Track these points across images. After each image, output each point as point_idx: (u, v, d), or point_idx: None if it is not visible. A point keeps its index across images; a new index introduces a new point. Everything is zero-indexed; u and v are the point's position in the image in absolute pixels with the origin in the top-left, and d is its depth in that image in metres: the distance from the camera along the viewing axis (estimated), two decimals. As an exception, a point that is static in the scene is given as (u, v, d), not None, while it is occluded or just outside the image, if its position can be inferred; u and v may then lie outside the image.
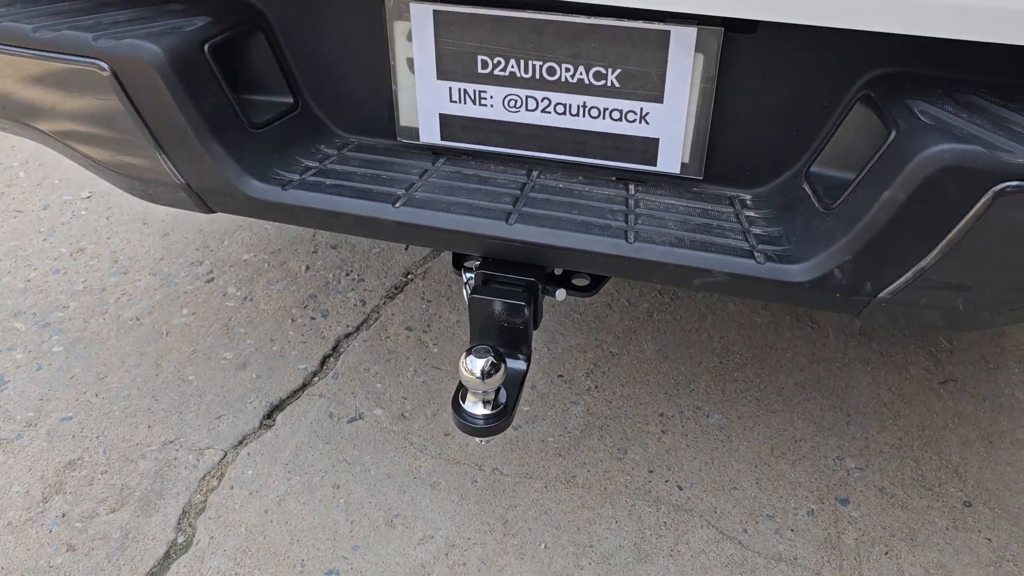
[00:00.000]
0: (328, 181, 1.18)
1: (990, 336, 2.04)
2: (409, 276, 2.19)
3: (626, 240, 1.07)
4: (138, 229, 2.35)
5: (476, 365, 1.09)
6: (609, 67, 1.11)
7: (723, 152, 1.16)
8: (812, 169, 1.11)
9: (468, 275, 1.22)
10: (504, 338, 1.16)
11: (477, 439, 1.24)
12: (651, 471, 1.71)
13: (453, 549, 1.56)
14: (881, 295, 1.02)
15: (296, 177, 1.19)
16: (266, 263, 2.22)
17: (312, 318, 2.05)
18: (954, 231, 0.94)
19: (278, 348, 1.97)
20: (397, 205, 1.13)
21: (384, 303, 2.11)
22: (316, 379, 1.90)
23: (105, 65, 1.11)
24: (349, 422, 1.79)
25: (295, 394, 1.86)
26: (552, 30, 1.10)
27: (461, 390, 1.17)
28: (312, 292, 2.13)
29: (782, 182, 1.15)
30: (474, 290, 1.16)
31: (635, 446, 1.76)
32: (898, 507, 1.65)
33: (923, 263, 0.98)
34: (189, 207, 1.25)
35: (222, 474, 1.68)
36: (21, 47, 1.14)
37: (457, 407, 1.16)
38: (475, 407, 1.14)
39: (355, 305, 2.09)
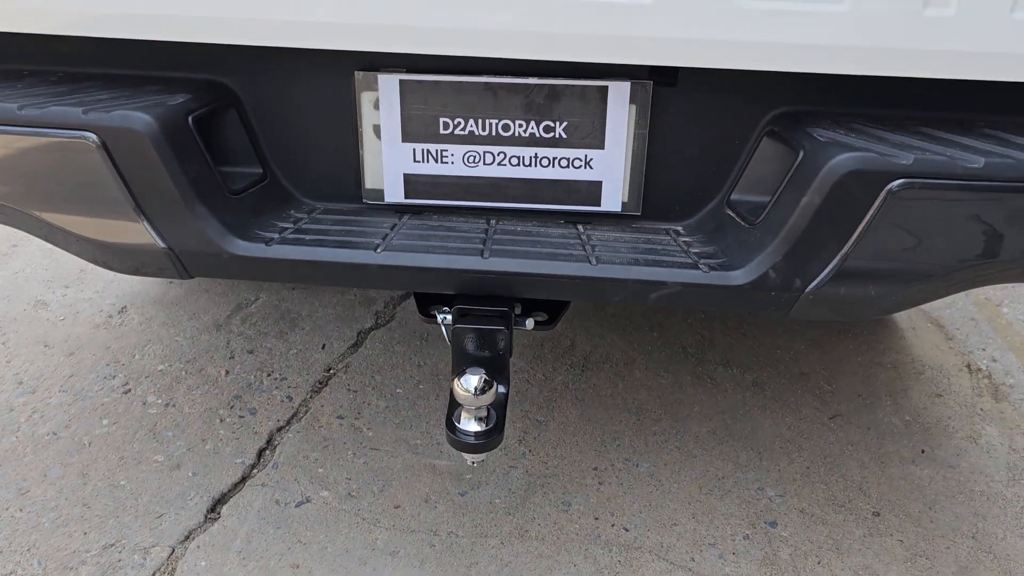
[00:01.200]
0: (308, 237, 1.28)
1: (860, 376, 2.31)
2: (331, 371, 2.24)
3: (590, 263, 1.22)
4: (40, 351, 2.28)
5: (471, 382, 1.19)
6: (556, 120, 1.29)
7: (656, 190, 1.36)
8: (732, 197, 1.33)
9: (443, 316, 1.33)
10: (486, 365, 1.26)
11: (469, 460, 1.31)
12: (596, 518, 1.80)
13: (423, 610, 1.57)
14: (808, 289, 1.21)
15: (276, 235, 1.28)
16: (183, 371, 2.21)
17: (241, 416, 2.05)
18: (861, 225, 1.16)
19: (211, 447, 1.95)
20: (379, 251, 1.24)
21: (311, 397, 2.14)
22: (255, 471, 1.89)
23: (93, 136, 1.18)
24: (297, 506, 1.79)
25: (236, 487, 1.84)
26: (506, 91, 1.28)
27: (454, 411, 1.25)
28: (236, 393, 2.13)
29: (708, 211, 1.35)
30: (456, 322, 1.27)
31: (577, 498, 1.85)
32: (819, 523, 1.82)
33: (839, 257, 1.19)
34: (168, 274, 1.30)
35: (173, 569, 1.63)
36: (6, 124, 1.20)
37: (451, 427, 1.24)
38: (469, 424, 1.23)
39: (282, 401, 2.11)
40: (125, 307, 2.48)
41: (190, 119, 1.24)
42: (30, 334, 2.36)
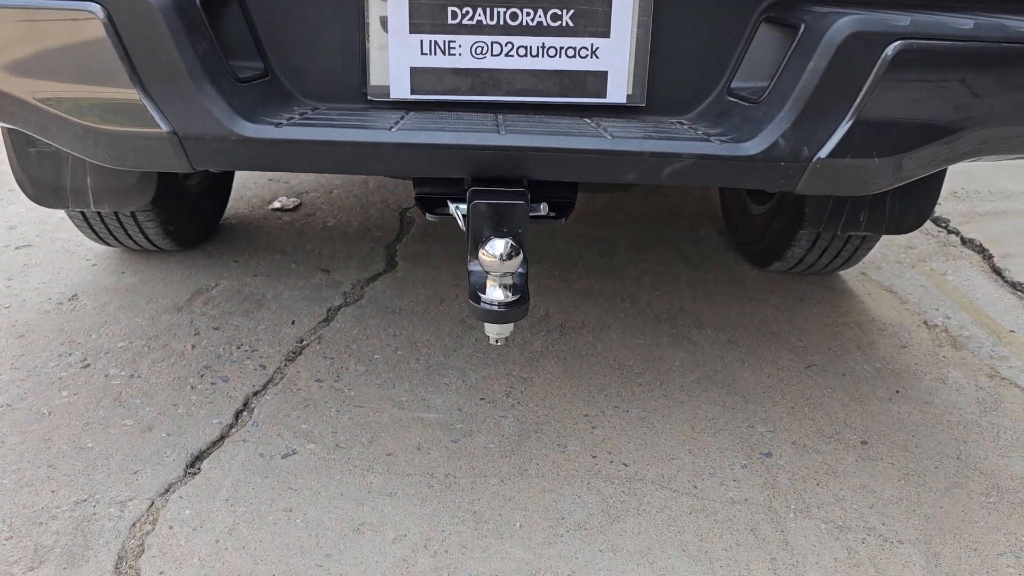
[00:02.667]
0: (318, 121, 1.25)
1: (828, 333, 2.36)
2: (303, 343, 2.16)
3: (607, 136, 1.23)
4: (-15, 335, 2.14)
5: (497, 247, 1.16)
6: (564, 8, 1.31)
7: (660, 81, 1.38)
8: (733, 84, 1.36)
9: (456, 205, 1.30)
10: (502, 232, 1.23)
11: (493, 337, 1.26)
12: (594, 456, 1.77)
13: (430, 541, 1.51)
14: (817, 157, 1.24)
15: (285, 121, 1.25)
16: (145, 347, 2.10)
17: (212, 383, 1.95)
18: (866, 86, 1.20)
19: (183, 411, 1.84)
20: (393, 129, 1.22)
21: (285, 365, 2.05)
22: (233, 431, 1.79)
23: (98, 8, 1.14)
24: (283, 457, 1.70)
25: (216, 444, 1.74)
26: (513, -19, 1.30)
27: (478, 284, 1.22)
28: (206, 364, 2.03)
29: (712, 100, 1.38)
30: (474, 199, 1.24)
31: (572, 441, 1.82)
32: (812, 452, 1.83)
33: (845, 120, 1.22)
34: (170, 164, 1.25)
35: (155, 519, 1.52)
36: (5, -1, 1.14)
37: (476, 299, 1.21)
38: (494, 293, 1.20)
39: (255, 370, 2.02)
40: (76, 295, 2.36)
41: (198, 1, 1.21)
42: (-25, 321, 2.21)
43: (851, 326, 2.43)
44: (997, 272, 2.83)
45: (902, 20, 1.19)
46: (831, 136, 1.24)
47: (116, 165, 1.26)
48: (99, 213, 2.29)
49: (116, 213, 2.28)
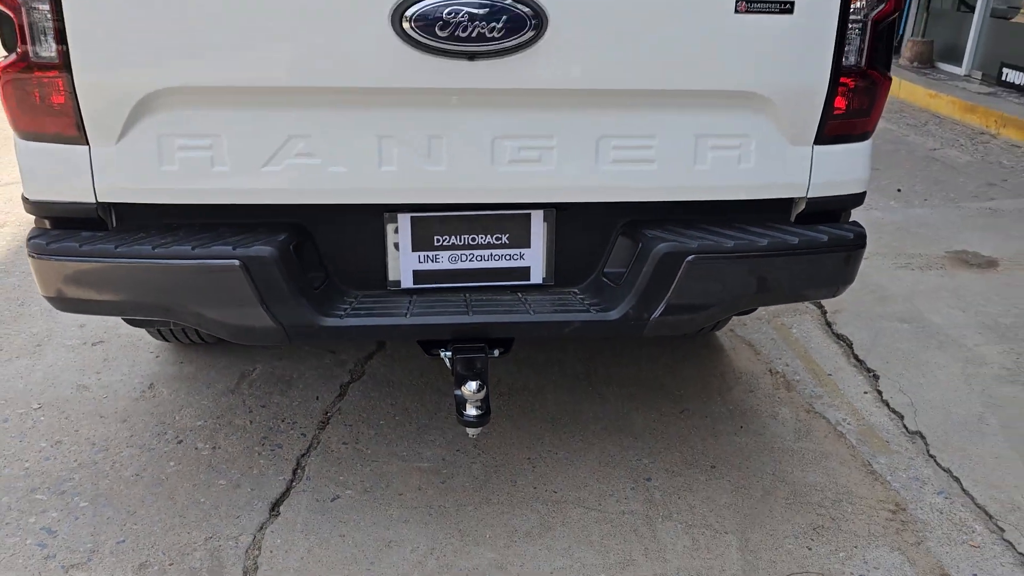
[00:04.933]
0: (362, 312, 2.15)
1: (700, 384, 3.33)
2: (328, 414, 3.05)
3: (531, 312, 2.17)
4: (98, 420, 2.98)
5: (472, 387, 2.09)
6: (503, 234, 2.24)
7: (561, 269, 2.31)
8: (605, 270, 2.30)
9: (444, 352, 2.23)
10: (474, 378, 2.15)
11: (472, 433, 2.18)
12: (535, 487, 2.70)
13: (433, 550, 2.42)
14: (651, 318, 2.19)
15: (344, 312, 2.15)
16: (217, 424, 2.97)
17: (272, 450, 2.84)
18: (676, 279, 2.15)
19: (257, 472, 2.73)
20: (407, 316, 2.13)
21: (319, 432, 2.94)
22: (295, 484, 2.68)
23: (238, 262, 2.02)
24: (332, 500, 2.60)
25: (285, 494, 2.63)
26: (474, 219, 2.21)
27: (461, 405, 2.14)
28: (263, 435, 2.91)
29: (592, 280, 2.32)
30: (455, 354, 2.16)
31: (520, 477, 2.74)
32: (677, 476, 2.78)
33: (665, 300, 2.17)
34: (275, 342, 2.13)
35: (259, 546, 2.41)
36: (183, 258, 2.02)
37: (461, 415, 2.14)
38: (471, 411, 2.12)
39: (299, 437, 2.91)
40: (152, 384, 3.21)
41: (291, 247, 2.10)
42: (84, 410, 3.05)
43: (716, 376, 3.41)
44: (828, 325, 3.84)
45: (694, 242, 2.15)
46: (659, 306, 2.18)
47: (244, 343, 2.14)
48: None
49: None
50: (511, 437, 2.95)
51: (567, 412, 3.11)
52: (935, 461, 2.88)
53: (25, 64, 1.95)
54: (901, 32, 9.83)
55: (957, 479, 2.79)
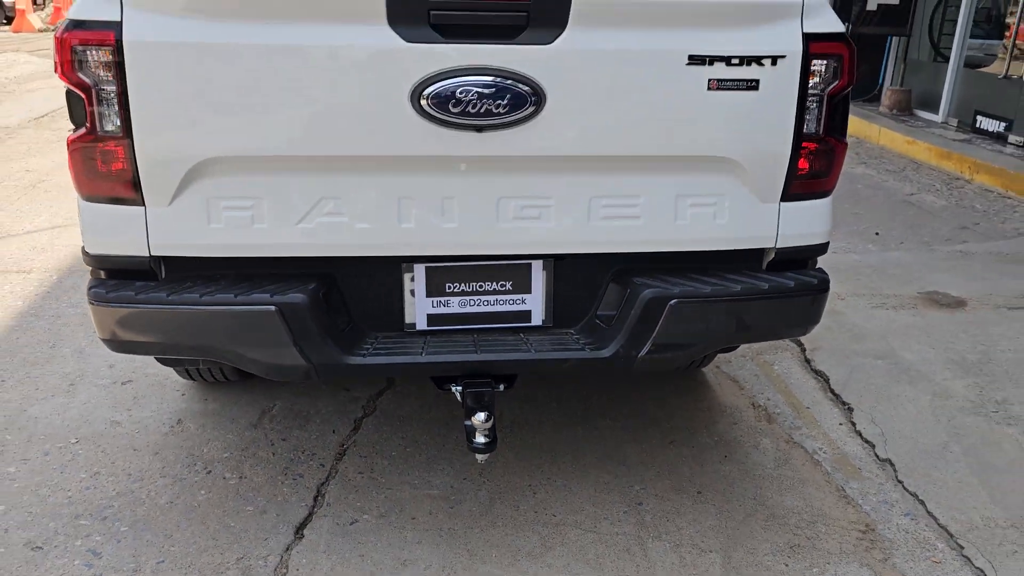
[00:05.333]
0: (383, 351, 2.43)
1: (687, 416, 3.59)
2: (344, 446, 3.31)
3: (532, 351, 2.44)
4: (132, 453, 3.23)
5: (480, 417, 2.36)
6: (507, 281, 2.53)
7: (559, 313, 2.60)
8: (598, 312, 2.58)
9: (454, 387, 2.50)
10: (483, 409, 2.42)
11: (480, 459, 2.44)
12: (535, 512, 2.95)
13: (444, 568, 2.67)
14: (639, 356, 2.47)
15: (366, 352, 2.42)
16: (242, 456, 3.22)
17: (294, 479, 3.09)
18: (659, 323, 2.43)
19: (281, 499, 2.98)
20: (422, 354, 2.41)
21: (337, 463, 3.20)
22: (316, 510, 2.93)
23: (274, 308, 2.30)
24: (351, 524, 2.85)
25: (308, 519, 2.88)
26: (481, 269, 2.50)
27: (471, 433, 2.41)
28: (285, 466, 3.17)
29: (586, 322, 2.60)
30: (465, 388, 2.43)
31: (522, 503, 3.00)
32: (667, 501, 3.04)
33: (651, 340, 2.45)
34: (308, 379, 2.40)
35: (287, 565, 2.65)
36: (227, 304, 2.30)
37: (471, 442, 2.40)
38: (480, 439, 2.39)
39: (318, 467, 3.16)
40: (180, 419, 3.46)
41: (320, 294, 2.38)
42: (119, 444, 3.30)
43: (703, 410, 3.67)
44: (807, 362, 4.12)
45: (676, 288, 2.43)
46: (646, 344, 2.46)
47: (276, 379, 2.41)
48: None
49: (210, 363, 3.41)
50: (514, 467, 3.20)
51: (565, 444, 3.37)
52: (903, 486, 3.14)
53: (92, 137, 2.25)
54: (881, 81, 10.26)
55: (922, 502, 3.05)
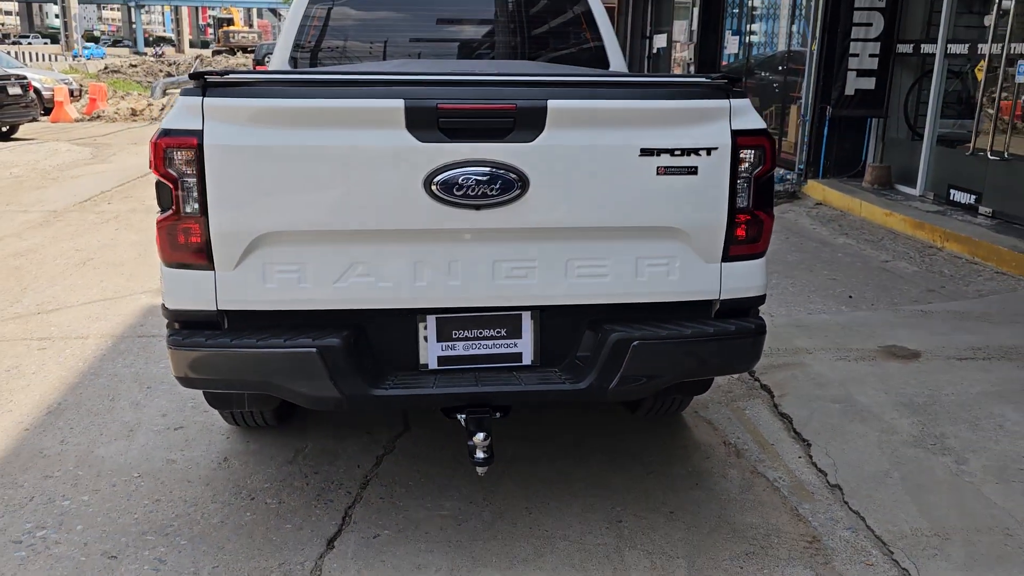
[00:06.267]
0: (402, 385, 3.01)
1: (665, 452, 4.12)
2: (368, 478, 3.85)
3: (522, 385, 3.02)
4: (186, 485, 3.78)
5: (480, 436, 2.92)
6: (502, 328, 3.12)
7: (546, 354, 3.18)
8: (577, 354, 3.17)
9: (461, 416, 3.06)
10: (482, 431, 2.99)
11: (480, 471, 3.00)
12: (530, 528, 3.48)
13: (452, 571, 3.19)
14: (610, 388, 3.04)
15: (388, 386, 3.01)
16: (281, 486, 3.77)
17: (325, 504, 3.63)
18: (626, 358, 3.01)
19: (315, 519, 3.52)
20: (434, 387, 2.99)
21: (361, 491, 3.74)
22: (344, 527, 3.47)
23: (315, 350, 2.90)
24: (374, 538, 3.38)
25: (337, 534, 3.41)
26: (481, 318, 3.10)
27: (472, 450, 2.96)
28: (317, 493, 3.71)
29: (568, 361, 3.18)
30: (468, 415, 3.00)
31: (519, 521, 3.52)
32: (643, 519, 3.55)
33: (619, 373, 3.03)
34: (339, 408, 2.98)
35: (320, 568, 3.18)
36: (275, 347, 2.90)
37: (472, 457, 2.96)
38: (479, 454, 2.95)
39: (346, 495, 3.71)
40: (227, 458, 4.03)
41: (351, 340, 2.98)
42: (175, 477, 3.86)
43: (680, 446, 4.21)
44: (775, 406, 4.66)
45: (638, 332, 3.02)
46: (615, 378, 3.03)
47: (315, 408, 2.99)
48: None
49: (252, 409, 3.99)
50: (512, 493, 3.74)
51: (556, 471, 3.91)
52: (848, 506, 3.65)
53: (176, 217, 2.89)
54: (864, 158, 10.96)
55: (863, 518, 3.55)
